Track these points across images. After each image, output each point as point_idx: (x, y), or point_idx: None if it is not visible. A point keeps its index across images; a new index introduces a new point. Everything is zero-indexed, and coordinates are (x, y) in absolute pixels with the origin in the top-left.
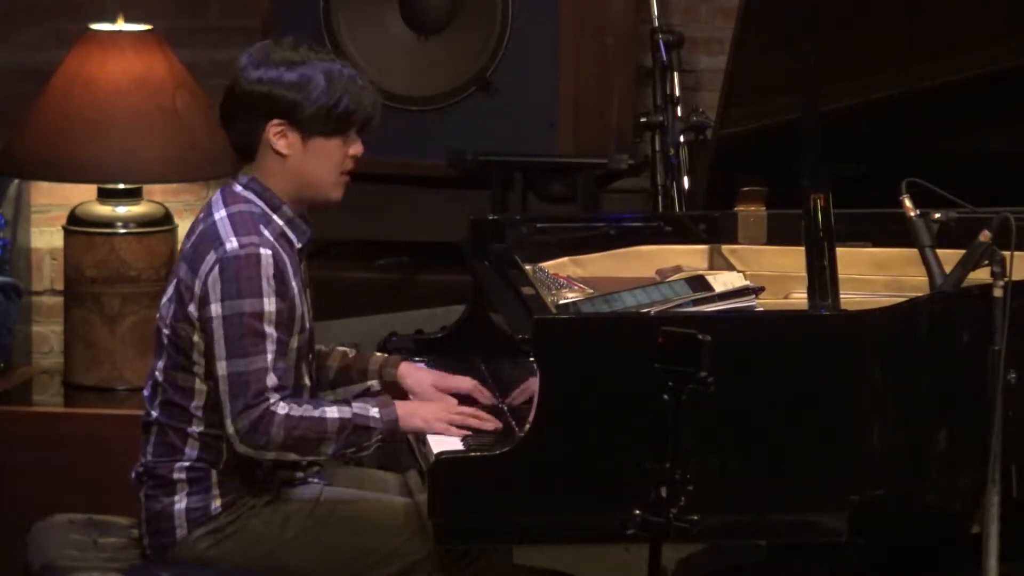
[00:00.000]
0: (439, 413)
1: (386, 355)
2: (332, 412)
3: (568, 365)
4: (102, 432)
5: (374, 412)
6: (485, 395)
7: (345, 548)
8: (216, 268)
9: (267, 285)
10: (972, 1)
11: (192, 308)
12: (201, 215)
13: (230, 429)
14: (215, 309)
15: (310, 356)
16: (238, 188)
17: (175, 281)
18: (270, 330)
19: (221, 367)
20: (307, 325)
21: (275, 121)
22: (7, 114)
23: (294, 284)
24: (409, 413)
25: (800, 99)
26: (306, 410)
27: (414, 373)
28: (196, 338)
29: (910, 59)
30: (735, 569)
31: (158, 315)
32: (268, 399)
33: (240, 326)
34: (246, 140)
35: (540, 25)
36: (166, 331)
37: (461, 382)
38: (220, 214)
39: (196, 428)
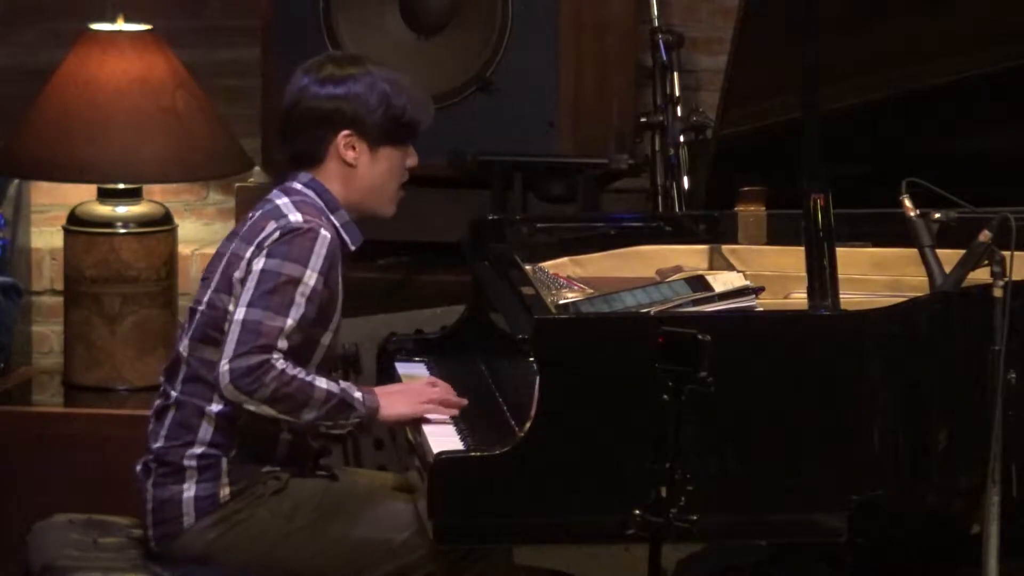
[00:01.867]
0: (415, 396)
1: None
2: (321, 383)
3: (568, 365)
4: (102, 432)
5: (358, 395)
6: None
7: (347, 543)
8: (276, 232)
9: (315, 259)
10: (973, 1)
11: (238, 273)
12: (255, 208)
13: (224, 367)
14: (260, 263)
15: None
16: (298, 186)
17: (227, 257)
18: (300, 300)
19: (240, 312)
20: (340, 328)
21: (345, 132)
22: (7, 114)
23: (340, 279)
24: (389, 403)
25: (800, 99)
26: (299, 372)
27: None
28: (231, 307)
29: (910, 59)
30: (735, 569)
31: (194, 299)
32: (272, 354)
33: (274, 283)
34: (312, 151)
35: (540, 25)
36: (201, 307)
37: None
38: (283, 200)
39: (215, 407)
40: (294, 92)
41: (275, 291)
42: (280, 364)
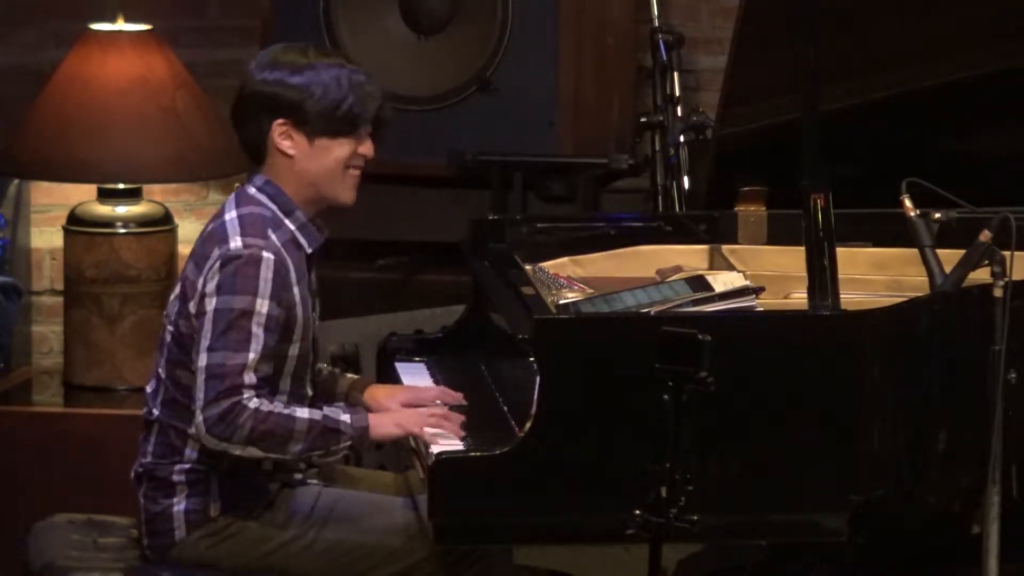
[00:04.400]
0: (412, 418)
1: (354, 377)
2: (302, 413)
3: (568, 365)
4: (102, 432)
5: (344, 418)
6: (454, 397)
7: (344, 549)
8: (217, 264)
9: (263, 286)
10: (972, 1)
11: (192, 305)
12: (214, 216)
13: (198, 418)
14: (209, 303)
15: (314, 366)
16: (252, 191)
17: (182, 278)
18: (257, 331)
19: (201, 359)
20: (311, 334)
21: (279, 121)
22: (7, 114)
23: (296, 291)
24: (380, 422)
25: (800, 99)
26: (276, 407)
27: (378, 394)
28: (196, 336)
29: (910, 59)
30: (735, 569)
31: (165, 312)
32: (241, 394)
33: (228, 321)
34: (254, 140)
35: (540, 25)
36: (170, 328)
37: (426, 392)
38: (231, 215)
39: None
40: (243, 74)
41: (230, 329)
42: (252, 403)
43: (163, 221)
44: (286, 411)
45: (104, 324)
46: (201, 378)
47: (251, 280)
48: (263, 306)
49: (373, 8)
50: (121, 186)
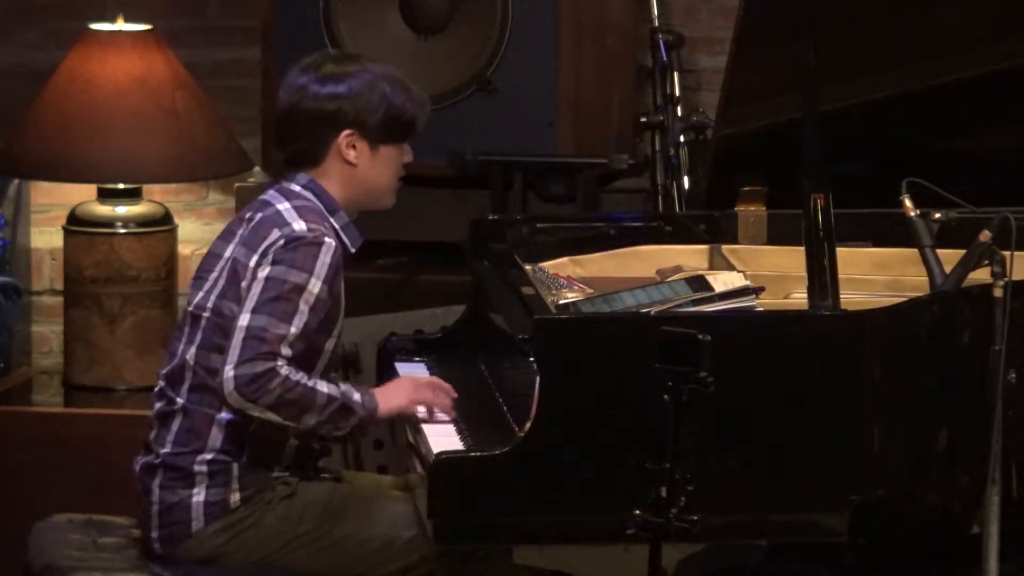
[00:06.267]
0: (411, 390)
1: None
2: (323, 387)
3: (568, 365)
4: (102, 432)
5: (357, 397)
6: (445, 389)
7: (353, 542)
8: (281, 241)
9: (321, 268)
10: (972, 1)
11: (244, 283)
12: (252, 209)
13: (228, 373)
14: (264, 271)
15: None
16: (296, 188)
17: (229, 261)
18: (304, 308)
19: (244, 318)
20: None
21: (347, 132)
22: (7, 114)
23: (342, 285)
24: (386, 397)
25: (800, 99)
26: (302, 377)
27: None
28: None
29: (910, 59)
30: (735, 569)
31: (192, 305)
32: (276, 361)
33: (279, 291)
34: (312, 151)
35: (540, 25)
36: (206, 314)
37: (421, 380)
38: (284, 205)
39: (224, 415)
40: (293, 91)
41: (280, 298)
42: (284, 371)
43: (163, 221)
44: (310, 384)
45: (104, 324)
46: (240, 336)
47: (311, 259)
48: (315, 286)
49: (373, 8)
50: (121, 186)
